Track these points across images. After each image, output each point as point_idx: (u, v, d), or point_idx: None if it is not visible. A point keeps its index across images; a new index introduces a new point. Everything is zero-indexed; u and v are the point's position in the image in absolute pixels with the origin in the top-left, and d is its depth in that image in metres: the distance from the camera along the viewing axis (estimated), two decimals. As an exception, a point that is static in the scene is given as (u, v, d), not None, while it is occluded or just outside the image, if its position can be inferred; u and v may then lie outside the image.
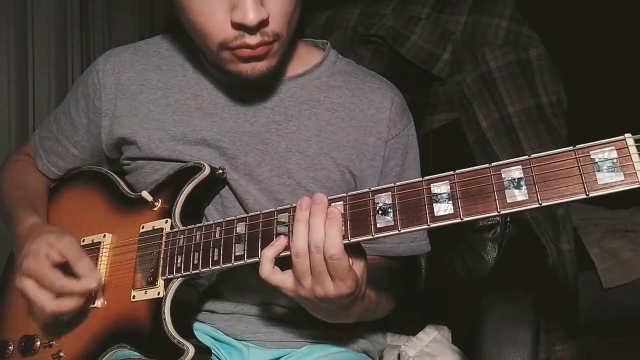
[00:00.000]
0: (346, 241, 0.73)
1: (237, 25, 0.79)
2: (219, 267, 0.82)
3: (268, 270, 0.76)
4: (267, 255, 0.76)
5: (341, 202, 0.75)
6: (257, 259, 0.79)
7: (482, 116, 1.60)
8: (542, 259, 1.47)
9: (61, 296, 0.85)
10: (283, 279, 0.77)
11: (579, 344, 1.66)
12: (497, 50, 1.61)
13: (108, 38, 2.03)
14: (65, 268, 0.87)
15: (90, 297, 0.91)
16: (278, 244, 0.76)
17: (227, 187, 0.95)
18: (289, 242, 0.76)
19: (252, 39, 0.80)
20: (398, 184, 0.73)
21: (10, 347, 0.96)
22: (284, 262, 0.78)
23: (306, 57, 0.99)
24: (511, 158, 0.66)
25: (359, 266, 0.77)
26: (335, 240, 0.72)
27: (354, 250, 0.76)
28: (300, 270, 0.74)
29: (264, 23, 0.79)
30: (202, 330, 0.97)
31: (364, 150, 0.96)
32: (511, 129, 1.59)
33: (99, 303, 0.91)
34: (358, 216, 0.74)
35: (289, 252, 0.76)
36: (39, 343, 0.94)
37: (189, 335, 0.85)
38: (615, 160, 0.61)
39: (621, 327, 1.99)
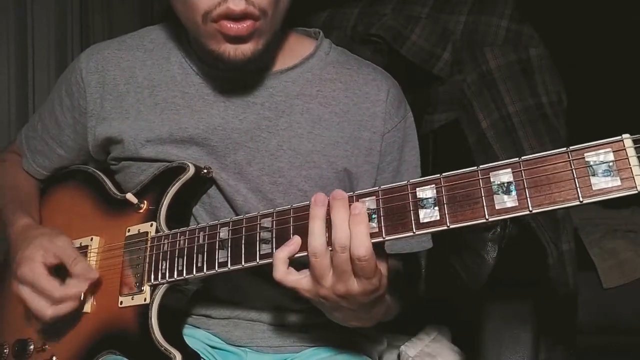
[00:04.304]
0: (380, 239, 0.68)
1: None
2: (203, 273, 0.80)
3: (282, 273, 0.71)
4: (280, 256, 0.71)
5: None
6: (240, 266, 0.77)
7: (482, 116, 1.60)
8: (542, 259, 1.47)
9: (59, 302, 0.85)
10: (299, 280, 0.72)
11: (579, 344, 1.66)
12: (497, 49, 1.61)
13: (108, 37, 2.02)
14: (61, 268, 0.87)
15: (82, 301, 0.90)
16: (292, 244, 0.72)
17: (215, 186, 0.93)
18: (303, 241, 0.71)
19: (236, 4, 0.76)
20: (382, 187, 0.69)
21: (5, 351, 0.96)
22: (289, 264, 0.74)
23: (297, 48, 0.95)
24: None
25: (382, 264, 0.72)
26: (364, 239, 0.66)
27: (377, 247, 0.70)
28: (319, 269, 0.69)
29: None
30: (198, 337, 0.96)
31: (360, 146, 0.92)
32: (511, 129, 1.59)
33: (88, 308, 0.90)
34: None
35: (304, 253, 0.71)
36: (32, 347, 0.93)
37: (177, 340, 0.84)
38: (611, 164, 0.56)
39: (621, 327, 1.98)
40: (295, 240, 0.72)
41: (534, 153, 0.62)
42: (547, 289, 1.52)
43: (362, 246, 0.66)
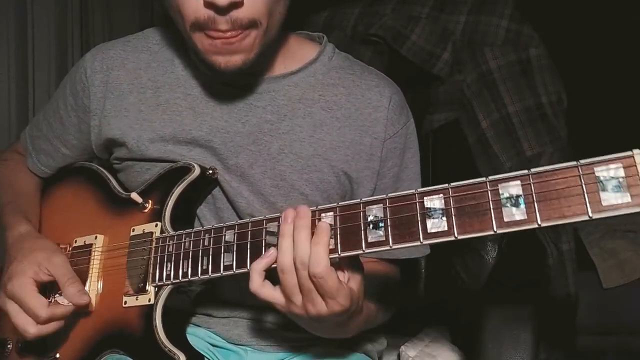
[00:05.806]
0: (335, 255, 0.69)
1: (208, 4, 0.75)
2: (208, 276, 0.80)
3: (257, 284, 0.73)
4: (256, 268, 0.73)
5: (331, 213, 0.71)
6: (245, 270, 0.76)
7: (482, 116, 1.60)
8: (542, 259, 1.47)
9: (44, 322, 0.84)
10: (273, 294, 0.73)
11: (579, 344, 1.66)
12: (497, 49, 1.61)
13: (108, 37, 2.03)
14: (53, 285, 0.87)
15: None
16: (268, 256, 0.73)
17: (219, 188, 0.93)
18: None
19: (222, 24, 0.76)
20: (390, 195, 0.68)
21: (9, 346, 0.96)
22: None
23: (300, 53, 0.95)
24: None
25: (355, 280, 0.73)
26: (320, 257, 0.68)
27: (349, 263, 0.72)
28: (288, 287, 0.71)
29: (235, 5, 0.75)
30: (199, 335, 0.96)
31: (360, 151, 0.92)
32: (511, 129, 1.59)
33: (92, 307, 0.90)
34: (348, 229, 0.69)
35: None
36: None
37: (181, 340, 0.84)
38: (621, 180, 0.55)
39: (621, 327, 1.99)
40: (272, 253, 0.72)
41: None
42: (547, 289, 1.52)
43: (318, 264, 0.68)
